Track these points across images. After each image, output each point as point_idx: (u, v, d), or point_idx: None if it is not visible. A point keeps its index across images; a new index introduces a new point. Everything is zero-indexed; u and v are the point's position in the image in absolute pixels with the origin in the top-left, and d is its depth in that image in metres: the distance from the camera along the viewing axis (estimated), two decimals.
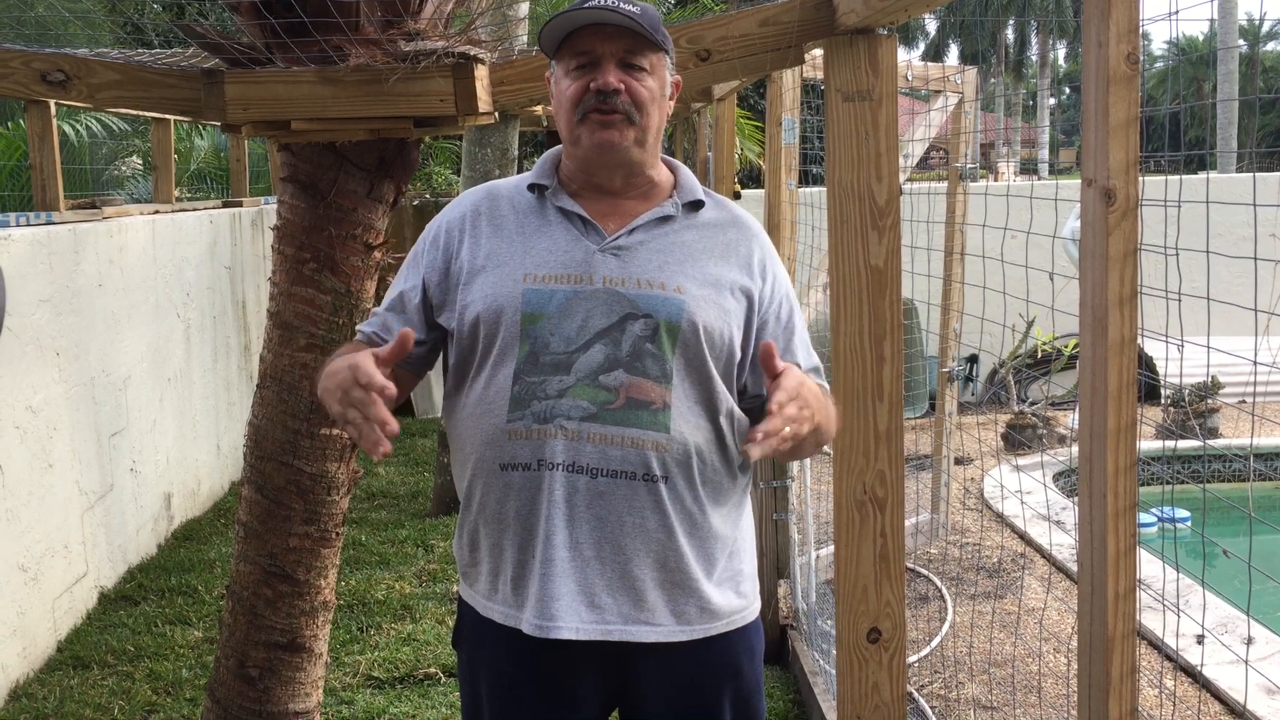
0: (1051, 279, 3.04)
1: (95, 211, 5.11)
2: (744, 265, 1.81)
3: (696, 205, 1.83)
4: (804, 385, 1.61)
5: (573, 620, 1.71)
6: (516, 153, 6.05)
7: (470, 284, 1.77)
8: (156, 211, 5.85)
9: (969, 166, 4.82)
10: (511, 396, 1.72)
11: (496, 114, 3.41)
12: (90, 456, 4.71)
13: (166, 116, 6.32)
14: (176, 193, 7.09)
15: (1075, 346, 7.18)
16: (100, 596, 4.75)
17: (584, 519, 1.71)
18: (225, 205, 7.07)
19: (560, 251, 1.76)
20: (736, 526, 1.83)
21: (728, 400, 1.78)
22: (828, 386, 1.89)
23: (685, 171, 1.89)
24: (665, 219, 1.80)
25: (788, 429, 1.54)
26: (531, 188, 1.83)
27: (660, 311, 1.72)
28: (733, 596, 1.82)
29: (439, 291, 1.82)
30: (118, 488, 4.99)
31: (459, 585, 1.90)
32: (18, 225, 4.27)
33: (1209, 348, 2.04)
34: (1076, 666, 1.68)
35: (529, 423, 1.71)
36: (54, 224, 4.56)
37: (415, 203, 8.78)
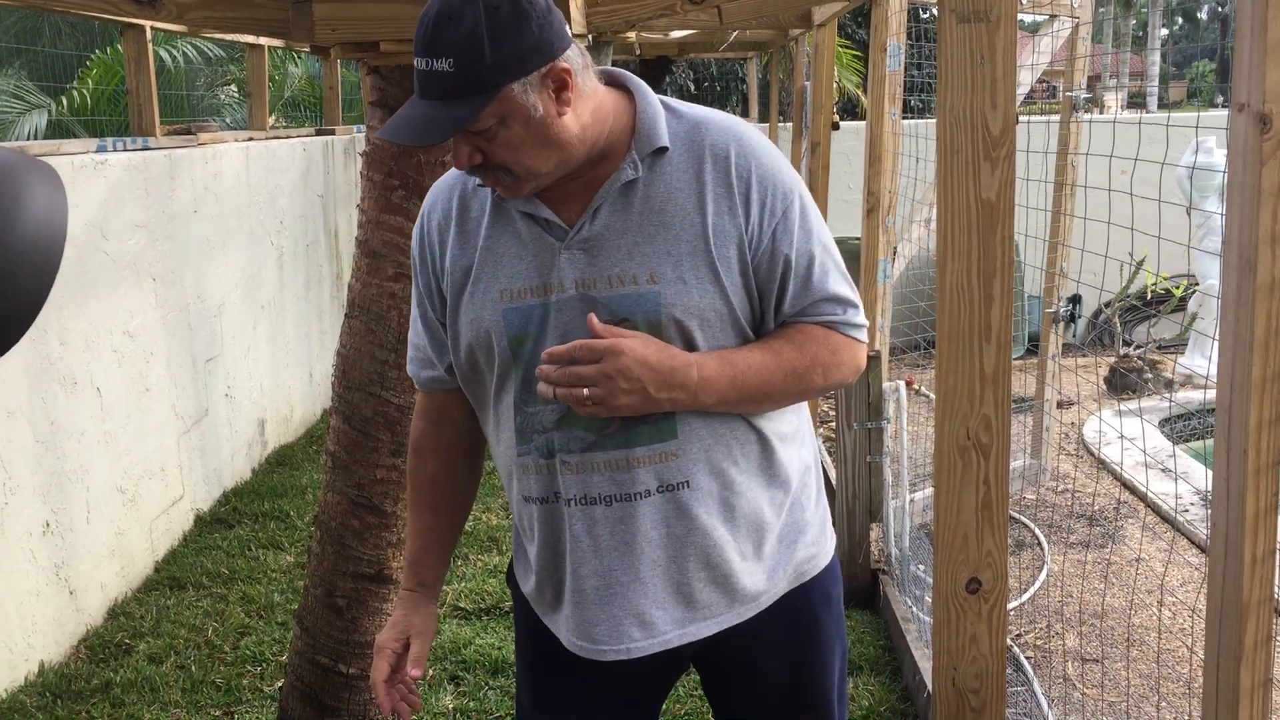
0: (1160, 212, 2.86)
1: (191, 138, 5.13)
2: (725, 202, 1.55)
3: (660, 152, 1.57)
4: (611, 351, 1.47)
5: (621, 642, 1.64)
6: None
7: (456, 308, 1.64)
8: (251, 139, 5.86)
9: (1083, 96, 4.58)
10: (515, 429, 1.63)
11: (590, 37, 3.30)
12: (186, 381, 4.77)
13: (260, 42, 6.31)
14: (271, 120, 7.11)
15: (1186, 288, 6.88)
16: (196, 519, 4.84)
17: (610, 547, 1.61)
18: (318, 133, 7.08)
19: (529, 257, 1.58)
20: (789, 480, 1.69)
21: None
22: (854, 318, 1.63)
23: (643, 104, 1.58)
24: (628, 185, 1.56)
25: (551, 390, 1.49)
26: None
27: (636, 312, 1.54)
28: (797, 549, 1.71)
29: (439, 313, 1.70)
30: (213, 412, 5.06)
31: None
32: (115, 150, 4.30)
33: None
34: (1204, 629, 1.57)
35: (536, 457, 1.62)
36: (150, 150, 4.58)
37: None
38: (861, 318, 1.65)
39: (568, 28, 1.50)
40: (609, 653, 1.65)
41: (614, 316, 1.54)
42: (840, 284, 1.62)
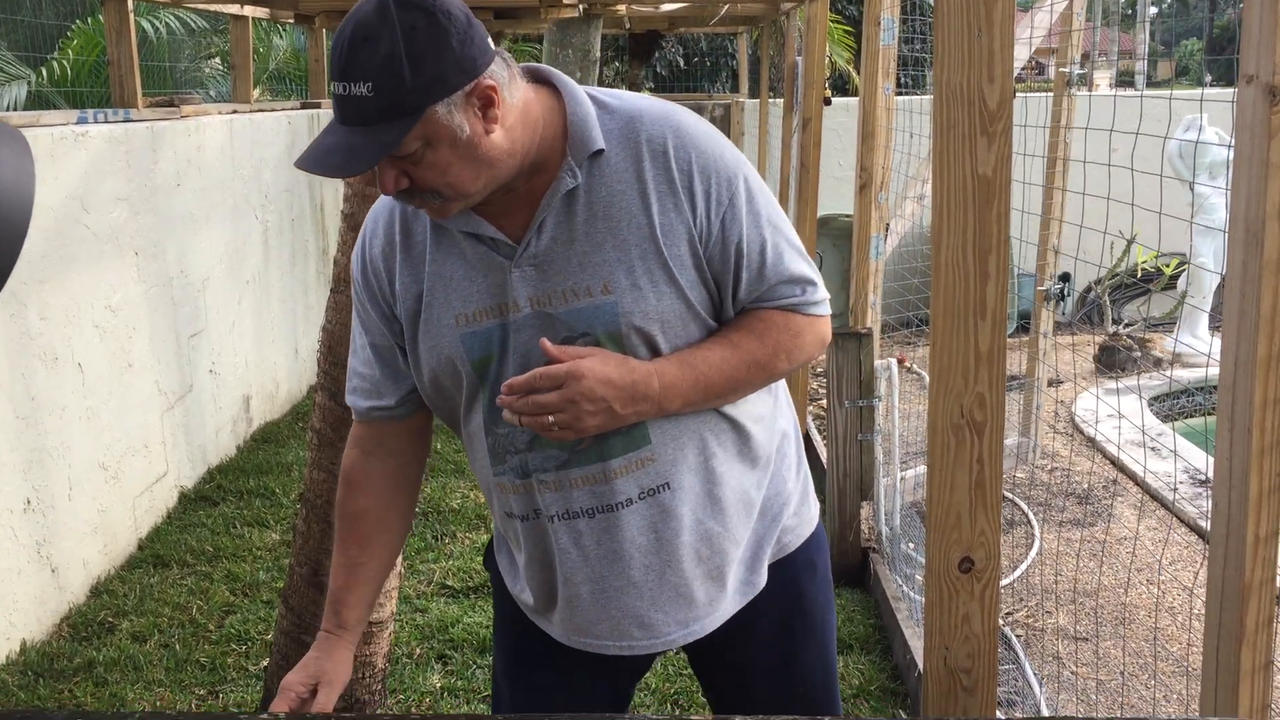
0: (1162, 187, 2.84)
1: (173, 110, 5.06)
2: (670, 199, 1.49)
3: (597, 154, 1.50)
4: (571, 376, 1.43)
5: (623, 639, 1.63)
6: (599, 54, 5.86)
7: (414, 335, 1.59)
8: (235, 111, 5.79)
9: (1076, 72, 4.54)
10: (489, 449, 1.59)
11: (580, 8, 3.25)
12: (169, 357, 4.71)
13: (244, 13, 6.23)
14: (255, 93, 7.02)
15: (1177, 266, 6.84)
16: (180, 496, 4.79)
17: (599, 557, 1.59)
18: (303, 106, 6.99)
19: (479, 278, 1.53)
20: (770, 457, 1.67)
21: None
22: (813, 296, 1.59)
23: (572, 104, 1.50)
24: (569, 194, 1.50)
25: (516, 417, 1.46)
26: None
27: (596, 325, 1.50)
28: (781, 520, 1.70)
29: (398, 339, 1.64)
30: (197, 389, 5.01)
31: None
32: (95, 122, 4.23)
33: None
34: (1204, 610, 1.55)
35: (512, 478, 1.59)
36: (132, 121, 4.51)
37: None
38: (821, 292, 1.61)
39: (490, 40, 1.43)
40: (611, 648, 1.63)
41: (573, 332, 1.50)
42: (796, 262, 1.57)
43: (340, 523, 1.72)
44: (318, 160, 1.39)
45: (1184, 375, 6.29)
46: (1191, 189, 5.99)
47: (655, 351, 1.52)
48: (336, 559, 1.71)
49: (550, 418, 1.45)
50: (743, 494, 1.63)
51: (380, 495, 1.71)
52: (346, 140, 1.38)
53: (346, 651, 1.67)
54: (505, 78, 1.43)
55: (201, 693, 3.33)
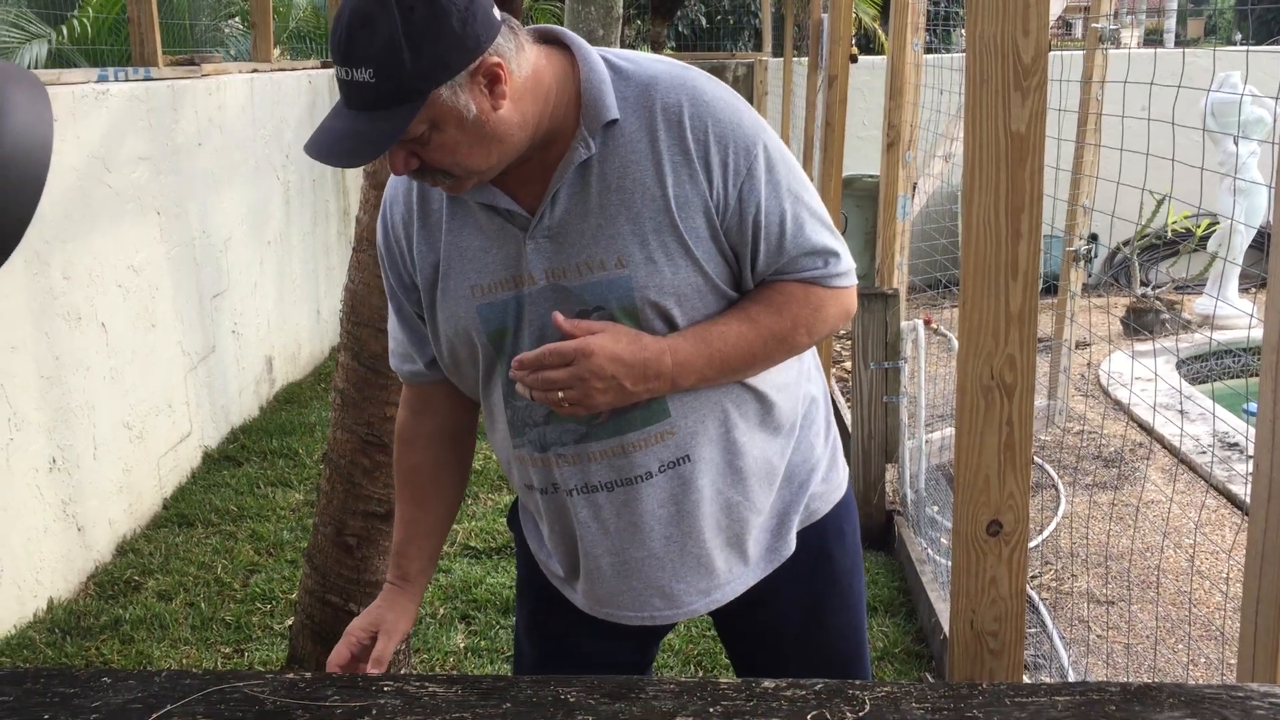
0: (1204, 145, 2.77)
1: (194, 69, 5.02)
2: (685, 170, 1.45)
3: (611, 124, 1.45)
4: (581, 353, 1.41)
5: (644, 610, 1.62)
6: (621, 11, 5.78)
7: (432, 304, 1.58)
8: (255, 70, 5.75)
9: (1109, 28, 4.45)
10: (508, 421, 1.58)
11: None
12: (192, 317, 4.72)
13: None
14: (275, 52, 6.98)
15: (1208, 227, 6.73)
16: (204, 456, 4.81)
17: (619, 529, 1.57)
18: (324, 66, 6.96)
19: (494, 249, 1.51)
20: (795, 425, 1.64)
21: None
22: (836, 267, 1.54)
23: (586, 70, 1.45)
24: (583, 165, 1.46)
25: (527, 391, 1.45)
26: None
27: (610, 299, 1.47)
28: (809, 487, 1.67)
29: (417, 306, 1.63)
30: (220, 349, 5.01)
31: None
32: (116, 80, 4.20)
33: None
34: (1244, 574, 1.52)
35: (531, 451, 1.57)
36: (152, 80, 4.49)
37: None
38: (845, 263, 1.56)
39: (494, 11, 1.38)
40: (634, 619, 1.62)
41: (588, 306, 1.47)
42: (818, 233, 1.52)
43: (397, 480, 1.75)
44: (325, 148, 1.37)
45: (1215, 337, 6.22)
46: (1236, 143, 5.89)
47: (672, 325, 1.48)
48: (396, 514, 1.75)
49: (560, 394, 1.43)
50: (765, 463, 1.60)
51: (430, 453, 1.72)
52: (352, 126, 1.36)
53: (408, 602, 1.69)
54: (512, 49, 1.39)
55: (227, 651, 3.35)
